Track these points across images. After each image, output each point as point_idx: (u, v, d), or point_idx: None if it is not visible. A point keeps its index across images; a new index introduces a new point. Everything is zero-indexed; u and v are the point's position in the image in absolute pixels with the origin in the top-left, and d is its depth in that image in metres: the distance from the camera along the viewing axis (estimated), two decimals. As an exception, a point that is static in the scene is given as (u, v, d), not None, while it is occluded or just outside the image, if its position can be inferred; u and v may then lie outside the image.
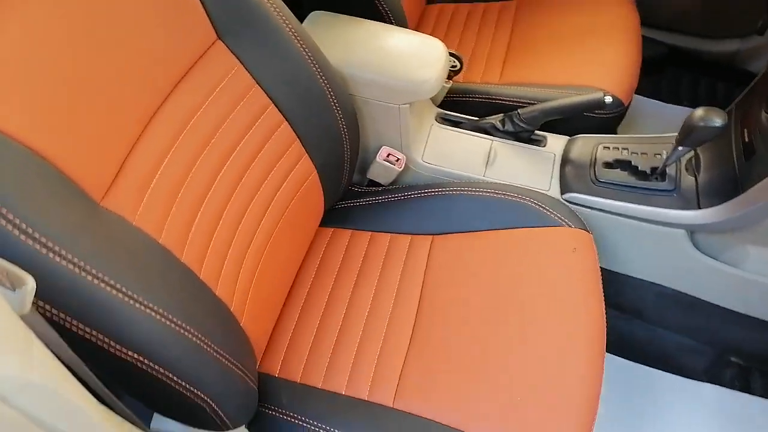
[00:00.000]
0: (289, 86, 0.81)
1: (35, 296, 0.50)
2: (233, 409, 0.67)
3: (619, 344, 1.10)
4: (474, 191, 0.95)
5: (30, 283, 0.43)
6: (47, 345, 0.40)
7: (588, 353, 0.77)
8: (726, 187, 0.87)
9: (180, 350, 0.57)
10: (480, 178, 1.01)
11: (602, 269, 1.04)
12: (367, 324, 0.85)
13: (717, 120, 0.81)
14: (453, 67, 1.07)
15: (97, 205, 0.57)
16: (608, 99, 0.96)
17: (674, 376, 1.09)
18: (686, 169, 0.94)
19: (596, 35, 1.19)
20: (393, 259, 0.92)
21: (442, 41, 0.96)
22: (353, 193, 1.03)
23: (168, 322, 0.56)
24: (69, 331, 0.51)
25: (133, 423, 0.55)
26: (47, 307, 0.50)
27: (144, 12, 0.64)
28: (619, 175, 0.96)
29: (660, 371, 1.09)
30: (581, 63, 1.15)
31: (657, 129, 1.09)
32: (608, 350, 1.07)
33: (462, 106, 1.13)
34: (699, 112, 0.82)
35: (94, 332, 0.52)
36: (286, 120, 0.82)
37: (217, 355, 0.62)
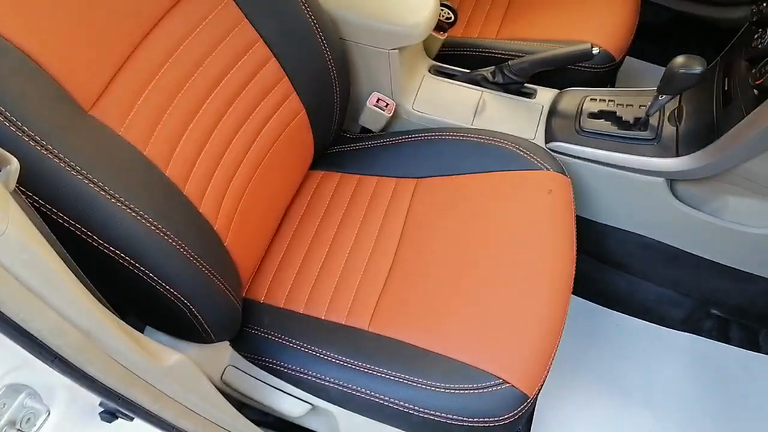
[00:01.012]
0: (278, 24, 0.84)
1: (24, 186, 0.55)
2: (214, 319, 0.72)
3: (599, 293, 1.12)
4: (459, 136, 0.97)
5: (14, 164, 0.48)
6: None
7: (551, 290, 0.79)
8: (704, 134, 0.88)
9: (157, 249, 0.61)
10: (467, 126, 1.03)
11: (584, 219, 1.07)
12: (349, 257, 0.89)
13: (696, 67, 0.83)
14: (447, 19, 1.09)
15: (85, 112, 0.61)
16: (595, 50, 0.98)
17: (652, 324, 1.11)
18: (668, 120, 0.96)
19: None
20: (378, 200, 0.95)
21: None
22: (344, 138, 1.06)
23: (145, 222, 0.60)
24: (56, 223, 0.56)
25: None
26: (35, 197, 0.55)
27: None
28: (603, 125, 0.98)
29: (638, 319, 1.12)
30: (577, 19, 1.16)
31: (654, 90, 1.10)
32: (587, 298, 1.10)
33: (456, 59, 1.15)
34: (679, 59, 0.84)
35: (77, 224, 0.57)
36: (275, 56, 0.85)
37: (195, 262, 0.66)
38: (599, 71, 1.11)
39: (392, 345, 0.78)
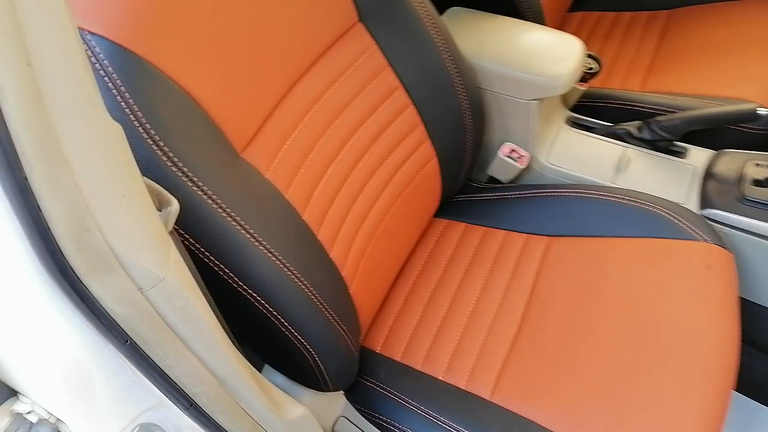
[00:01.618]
0: (419, 72, 0.83)
1: (176, 224, 0.56)
2: (335, 369, 0.70)
3: (751, 385, 0.98)
4: (598, 194, 0.90)
5: (175, 205, 0.49)
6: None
7: (711, 385, 0.69)
8: None
9: (291, 296, 0.60)
10: (608, 184, 0.96)
11: (746, 301, 0.94)
12: (472, 315, 0.84)
13: None
14: (589, 69, 1.03)
15: (238, 154, 0.63)
16: (763, 111, 0.88)
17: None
18: None
19: (752, 47, 1.09)
20: (505, 256, 0.90)
21: (581, 43, 0.93)
22: (471, 187, 1.02)
23: (284, 267, 0.60)
24: (202, 261, 0.57)
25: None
26: (186, 235, 0.56)
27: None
28: (772, 195, 0.87)
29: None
30: (733, 75, 1.06)
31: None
32: (737, 389, 0.95)
33: (596, 111, 1.08)
34: None
35: (221, 264, 0.57)
36: (413, 103, 0.84)
37: (324, 311, 0.65)
38: (760, 133, 0.99)
39: (518, 422, 0.71)
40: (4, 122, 0.30)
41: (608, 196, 0.89)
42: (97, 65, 0.52)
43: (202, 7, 0.59)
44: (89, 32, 0.52)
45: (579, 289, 0.82)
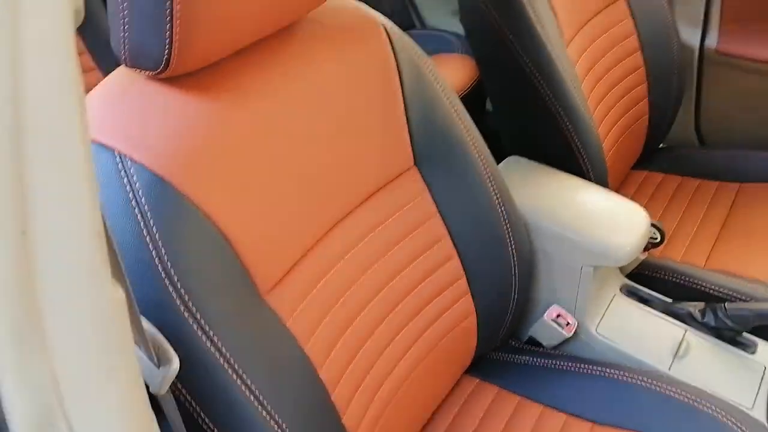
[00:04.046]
0: (469, 223, 0.79)
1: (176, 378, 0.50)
2: None
3: None
4: (653, 384, 0.80)
5: (174, 364, 0.43)
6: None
7: None
8: None
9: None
10: (663, 371, 0.86)
11: None
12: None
13: None
14: (653, 239, 0.97)
15: (261, 298, 0.57)
16: None
17: None
18: None
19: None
20: (539, 437, 0.79)
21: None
22: (510, 347, 0.94)
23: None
24: (193, 421, 0.50)
25: None
26: (183, 390, 0.49)
27: (358, 126, 0.67)
28: None
29: None
30: (815, 267, 0.97)
31: None
32: None
33: (654, 283, 1.00)
34: None
35: (215, 428, 0.50)
36: (458, 255, 0.78)
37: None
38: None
39: None
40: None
41: (667, 389, 0.79)
42: (131, 195, 0.49)
43: (252, 143, 0.57)
44: (131, 159, 0.50)
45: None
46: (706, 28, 1.34)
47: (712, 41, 1.34)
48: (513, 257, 0.82)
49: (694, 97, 1.42)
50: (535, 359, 0.90)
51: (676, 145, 1.38)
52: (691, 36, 1.35)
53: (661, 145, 1.33)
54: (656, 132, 1.24)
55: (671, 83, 1.20)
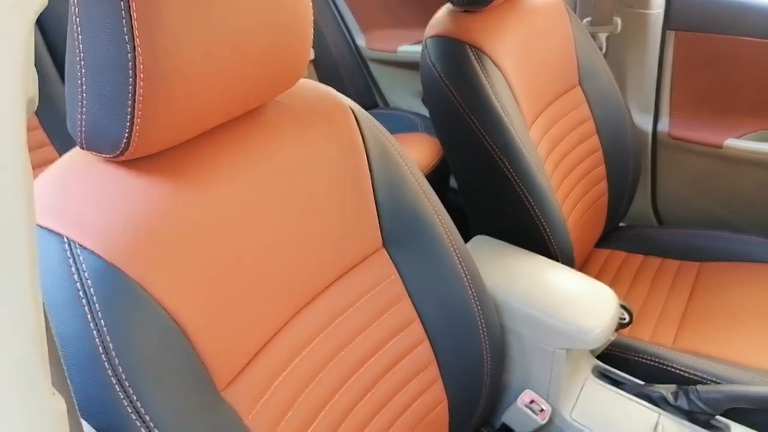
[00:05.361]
0: (439, 305, 0.77)
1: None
2: None
3: None
4: (633, 476, 0.77)
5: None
6: None
7: None
8: None
9: None
10: (641, 459, 0.83)
11: None
12: None
13: None
14: (621, 319, 0.96)
15: (218, 394, 0.53)
16: (822, 401, 0.77)
17: None
18: None
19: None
20: None
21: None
22: (482, 435, 0.89)
23: None
24: None
25: None
26: None
27: (324, 209, 0.66)
28: None
29: None
30: (780, 346, 0.97)
31: None
32: None
33: (624, 364, 0.99)
34: None
35: None
36: (428, 339, 0.76)
37: None
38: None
39: None
40: None
41: (644, 479, 0.76)
42: (79, 284, 0.45)
43: (211, 229, 0.54)
44: (80, 245, 0.47)
45: None
46: (658, 113, 1.42)
47: (664, 126, 1.41)
48: (484, 340, 0.80)
49: (650, 178, 1.48)
50: (509, 449, 0.86)
51: (635, 224, 1.42)
52: (644, 121, 1.42)
53: (621, 224, 1.36)
54: (616, 211, 1.27)
55: (627, 165, 1.24)
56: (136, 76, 0.45)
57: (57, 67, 1.26)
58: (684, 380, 0.93)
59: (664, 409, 0.89)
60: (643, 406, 0.90)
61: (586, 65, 1.18)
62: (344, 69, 1.82)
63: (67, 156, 0.54)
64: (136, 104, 0.46)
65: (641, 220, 1.55)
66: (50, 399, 0.29)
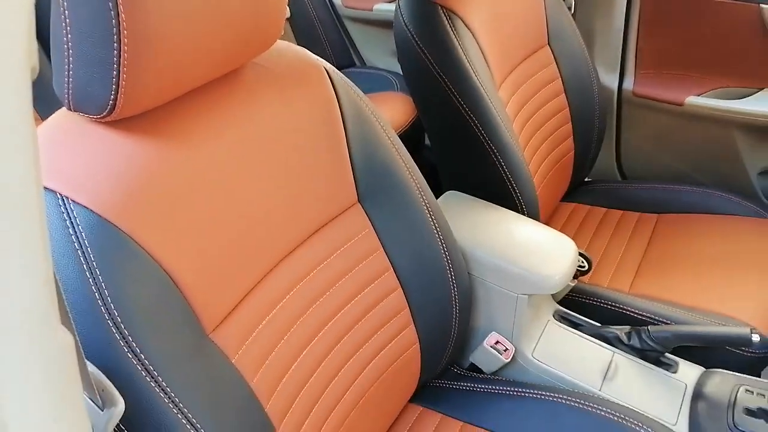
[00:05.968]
0: (411, 255, 0.82)
1: (121, 423, 0.49)
2: None
3: None
4: (585, 405, 0.85)
5: (119, 407, 0.43)
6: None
7: None
8: None
9: None
10: (595, 391, 0.91)
11: None
12: None
13: None
14: (581, 266, 1.03)
15: (206, 336, 0.58)
16: (756, 338, 0.86)
17: None
18: None
19: (744, 265, 1.10)
20: (482, 462, 0.82)
21: (572, 239, 0.94)
22: (452, 373, 0.97)
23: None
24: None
25: None
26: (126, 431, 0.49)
27: (302, 165, 0.70)
28: (764, 428, 0.82)
29: None
30: (723, 291, 1.05)
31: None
32: None
33: (584, 308, 1.07)
34: None
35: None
36: (401, 286, 0.81)
37: None
38: (753, 356, 0.96)
39: None
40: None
41: (595, 408, 0.84)
42: (74, 237, 0.49)
43: (196, 184, 0.58)
44: (74, 201, 0.50)
45: None
46: (623, 72, 1.47)
47: (629, 84, 1.46)
48: (453, 288, 0.86)
49: (614, 135, 1.54)
50: (476, 385, 0.93)
51: (600, 179, 1.48)
52: (610, 80, 1.47)
53: (586, 179, 1.43)
54: (581, 167, 1.33)
55: (593, 123, 1.29)
56: (120, 38, 0.48)
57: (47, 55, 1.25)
58: (638, 322, 1.01)
59: (618, 348, 0.98)
60: (599, 345, 0.98)
61: (555, 25, 1.22)
62: (320, 27, 1.82)
63: (52, 118, 0.57)
64: (121, 66, 0.49)
65: (606, 176, 1.62)
66: (60, 332, 0.33)
